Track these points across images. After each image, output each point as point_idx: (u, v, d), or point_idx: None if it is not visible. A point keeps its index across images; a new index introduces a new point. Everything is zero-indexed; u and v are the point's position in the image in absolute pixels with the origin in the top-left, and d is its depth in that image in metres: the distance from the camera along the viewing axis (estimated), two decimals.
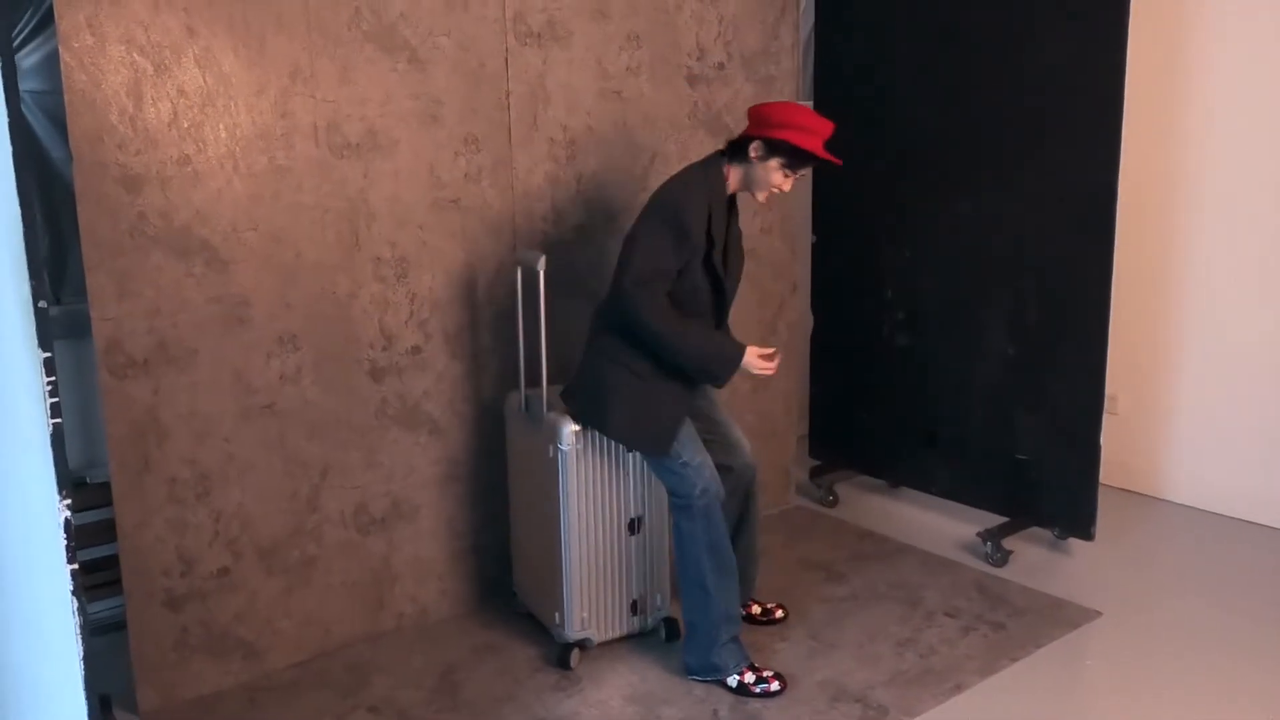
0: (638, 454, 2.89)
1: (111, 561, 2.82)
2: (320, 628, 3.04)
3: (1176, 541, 3.85)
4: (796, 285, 4.01)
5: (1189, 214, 3.96)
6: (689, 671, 2.87)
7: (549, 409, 2.93)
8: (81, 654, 1.45)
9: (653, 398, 2.74)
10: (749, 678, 2.80)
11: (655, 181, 3.22)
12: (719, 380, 2.76)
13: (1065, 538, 3.72)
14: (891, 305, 4.03)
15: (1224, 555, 3.68)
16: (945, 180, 3.80)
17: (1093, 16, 3.31)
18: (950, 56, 3.74)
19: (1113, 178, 3.31)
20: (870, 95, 3.99)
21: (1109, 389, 3.50)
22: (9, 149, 1.34)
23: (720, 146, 2.81)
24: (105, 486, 2.72)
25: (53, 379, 1.40)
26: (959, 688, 2.82)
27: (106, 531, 2.76)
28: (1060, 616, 3.20)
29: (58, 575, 1.42)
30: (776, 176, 2.71)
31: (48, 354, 1.39)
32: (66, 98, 2.47)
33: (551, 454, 2.87)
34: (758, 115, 2.71)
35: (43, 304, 1.38)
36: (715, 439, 2.92)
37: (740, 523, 3.02)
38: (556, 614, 2.96)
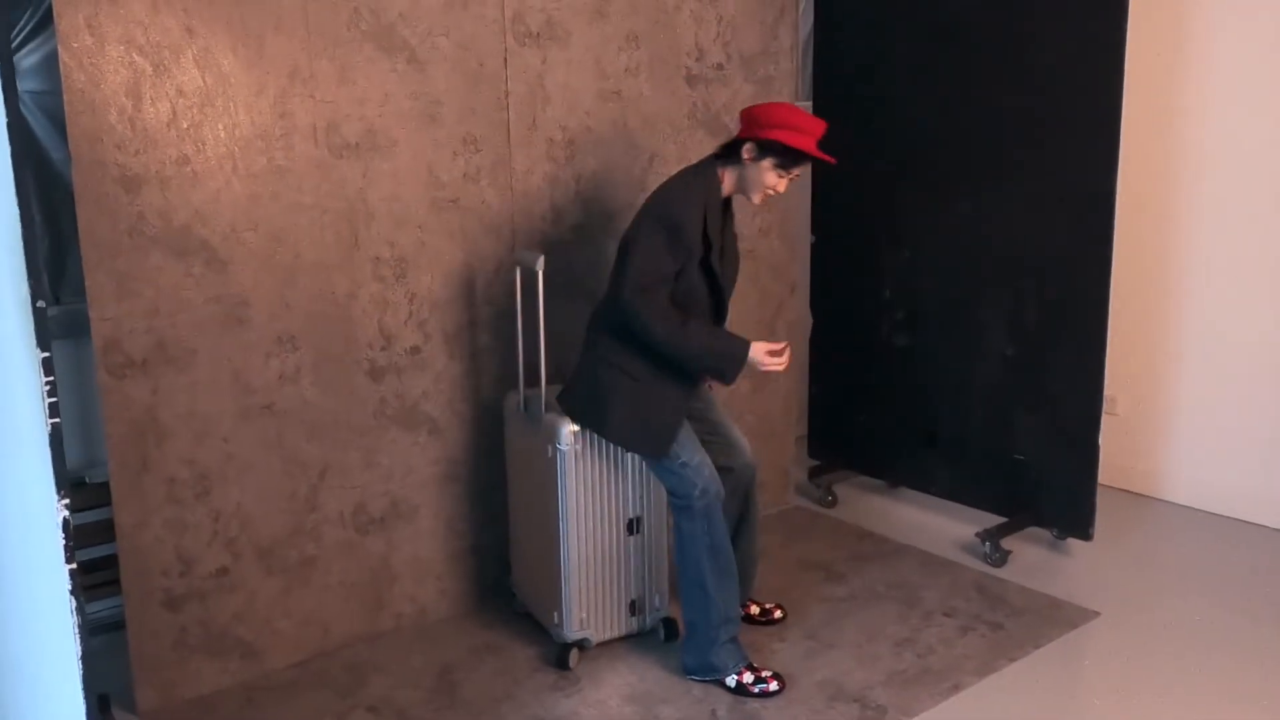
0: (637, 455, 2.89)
1: (110, 561, 2.82)
2: (319, 627, 3.04)
3: (1175, 542, 3.85)
4: (795, 285, 4.01)
5: (1188, 214, 3.96)
6: (687, 671, 2.87)
7: (548, 409, 2.93)
8: (80, 653, 1.45)
9: (651, 399, 2.74)
10: (747, 678, 2.81)
11: (654, 182, 3.22)
12: (727, 378, 2.75)
13: (1064, 538, 3.72)
14: (891, 305, 4.03)
15: (1223, 555, 3.68)
16: (944, 180, 3.80)
17: (1092, 16, 3.31)
18: (950, 56, 3.73)
19: (1112, 178, 3.31)
20: (869, 96, 3.99)
21: (1108, 389, 3.49)
22: (8, 149, 1.35)
23: (716, 149, 2.81)
24: (104, 486, 2.73)
25: (51, 379, 1.40)
26: (957, 688, 2.82)
27: (105, 531, 2.76)
28: (1059, 617, 3.20)
29: (56, 575, 1.43)
30: (770, 177, 2.71)
31: (46, 354, 1.39)
32: (65, 98, 2.47)
33: (550, 454, 2.87)
34: (749, 117, 2.72)
35: (41, 304, 1.39)
36: (715, 440, 2.92)
37: (740, 523, 3.02)
38: (555, 614, 2.97)
